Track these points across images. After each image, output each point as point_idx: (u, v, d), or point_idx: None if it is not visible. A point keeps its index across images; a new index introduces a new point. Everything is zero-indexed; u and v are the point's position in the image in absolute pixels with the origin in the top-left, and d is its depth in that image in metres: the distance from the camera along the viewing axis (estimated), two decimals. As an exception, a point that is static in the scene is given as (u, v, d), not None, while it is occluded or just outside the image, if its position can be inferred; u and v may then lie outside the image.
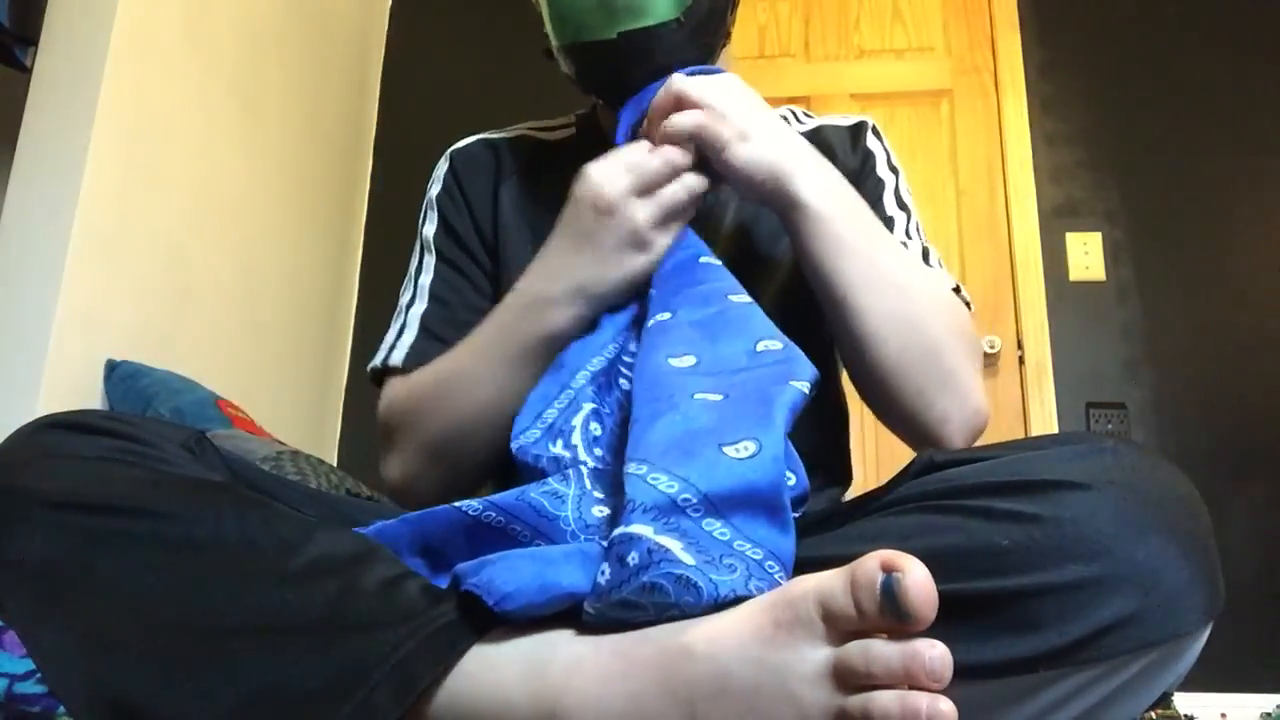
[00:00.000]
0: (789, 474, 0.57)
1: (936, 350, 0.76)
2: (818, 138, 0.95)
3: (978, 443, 0.79)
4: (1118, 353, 2.25)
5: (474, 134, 1.00)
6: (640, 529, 0.51)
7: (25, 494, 0.55)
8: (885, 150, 0.96)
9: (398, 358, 0.88)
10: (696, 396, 0.60)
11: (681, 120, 0.74)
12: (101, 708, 0.52)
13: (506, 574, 0.52)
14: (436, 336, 0.89)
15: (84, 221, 1.51)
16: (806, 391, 0.61)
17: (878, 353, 0.76)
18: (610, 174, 0.74)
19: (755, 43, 2.59)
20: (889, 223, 0.89)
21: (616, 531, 0.52)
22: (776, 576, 0.52)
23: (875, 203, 0.90)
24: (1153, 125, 2.36)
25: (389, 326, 0.93)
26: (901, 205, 0.92)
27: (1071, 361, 2.25)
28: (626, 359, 0.74)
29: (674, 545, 0.51)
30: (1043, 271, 2.30)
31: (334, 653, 0.49)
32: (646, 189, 0.74)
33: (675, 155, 0.75)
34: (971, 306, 0.86)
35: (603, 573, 0.51)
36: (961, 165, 2.43)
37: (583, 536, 0.61)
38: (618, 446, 0.68)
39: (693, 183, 0.75)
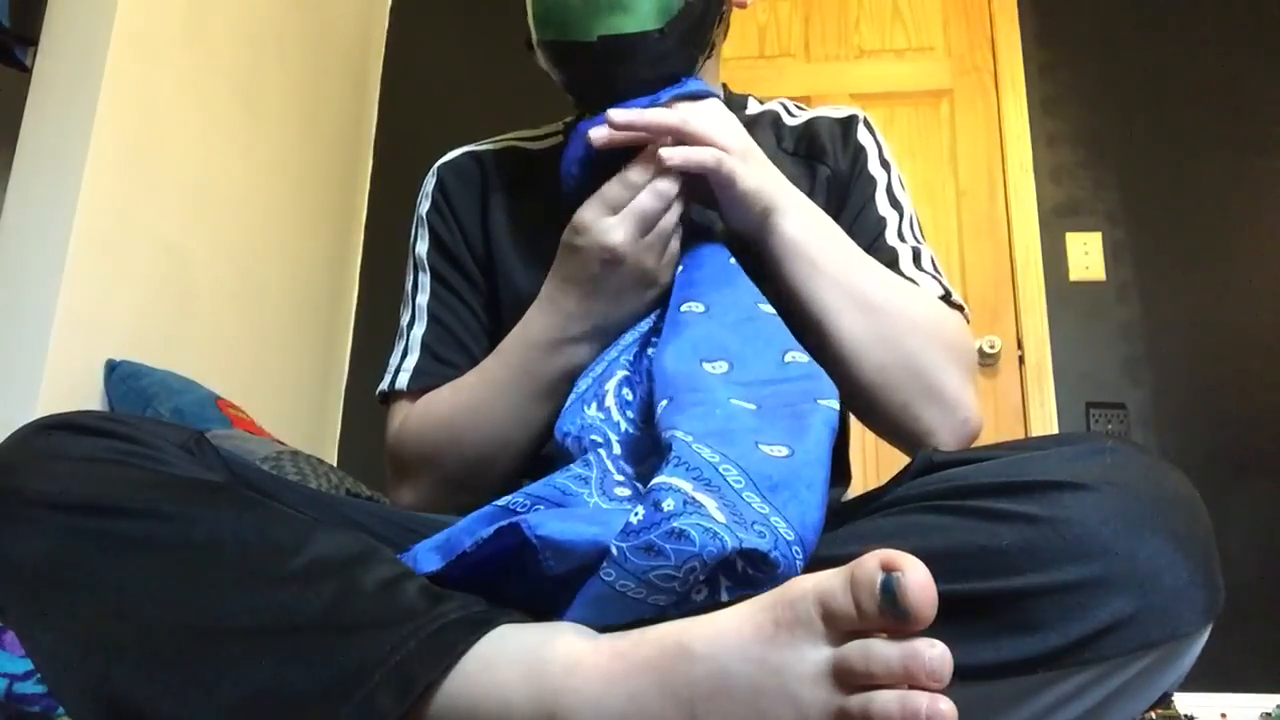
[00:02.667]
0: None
1: (917, 365, 0.77)
2: (809, 131, 0.95)
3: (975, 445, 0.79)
4: (1118, 353, 2.25)
5: (463, 144, 1.00)
6: (680, 482, 0.53)
7: (23, 495, 0.55)
8: (877, 144, 0.95)
9: (404, 381, 0.89)
10: (733, 401, 0.63)
11: (701, 156, 0.74)
12: (100, 709, 0.52)
13: (535, 519, 0.54)
14: (439, 358, 0.90)
15: (84, 221, 1.51)
16: (837, 409, 0.63)
17: (856, 372, 0.77)
18: (611, 224, 0.75)
19: (755, 43, 2.59)
20: (880, 223, 0.89)
21: (656, 480, 0.54)
22: (797, 562, 0.53)
23: (867, 201, 0.90)
24: (1153, 125, 2.36)
25: (392, 346, 0.94)
26: (894, 203, 0.91)
27: (1071, 361, 2.25)
28: (655, 335, 0.77)
29: (709, 503, 0.52)
30: (1043, 271, 2.30)
31: (333, 654, 0.49)
32: (647, 229, 0.75)
33: (669, 188, 0.75)
34: (965, 310, 0.86)
35: (636, 513, 0.52)
36: (961, 165, 2.43)
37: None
38: (649, 415, 0.71)
39: (679, 206, 0.77)
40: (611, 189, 0.76)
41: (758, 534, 0.51)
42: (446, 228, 0.95)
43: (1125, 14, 2.44)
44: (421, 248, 0.96)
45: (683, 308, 0.73)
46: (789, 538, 0.53)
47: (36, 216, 1.50)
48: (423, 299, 0.93)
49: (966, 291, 2.32)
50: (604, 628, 0.52)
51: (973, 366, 0.82)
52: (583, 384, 0.76)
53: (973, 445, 0.79)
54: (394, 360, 0.92)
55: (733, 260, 0.78)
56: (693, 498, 0.52)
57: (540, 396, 0.81)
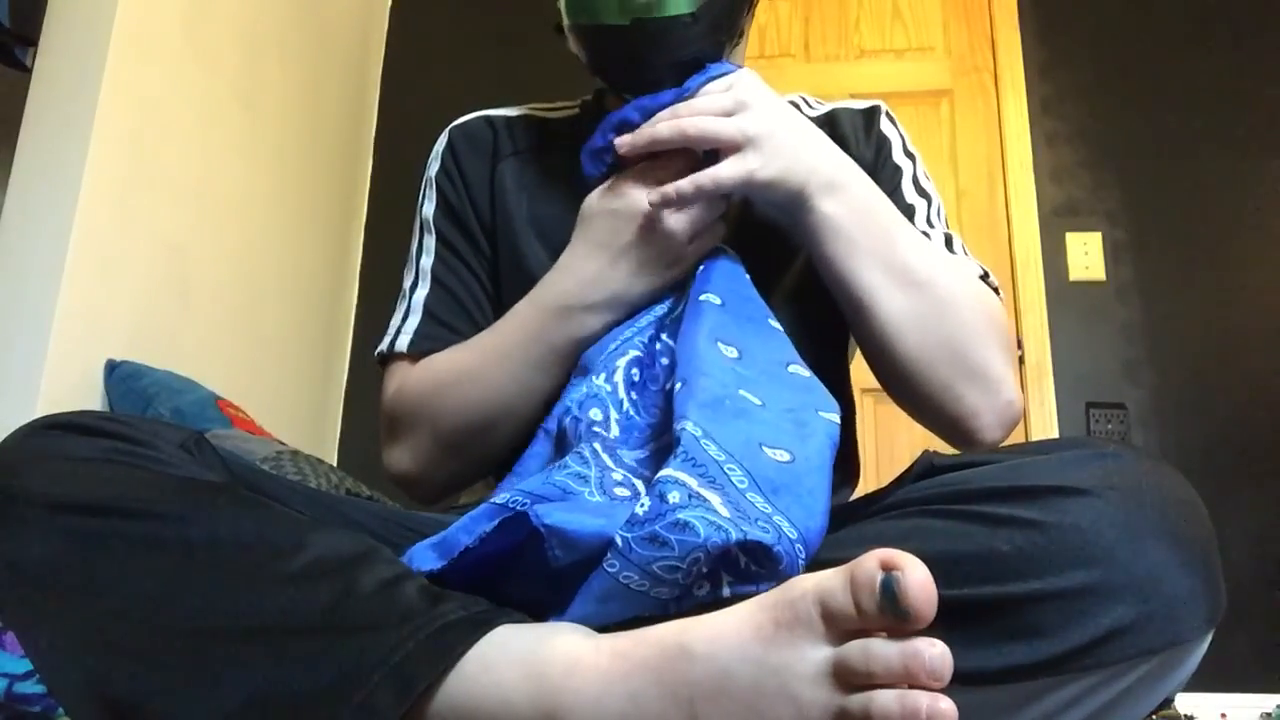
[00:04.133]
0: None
1: (960, 343, 0.76)
2: (829, 123, 0.95)
3: (1012, 432, 0.80)
4: (1118, 353, 2.25)
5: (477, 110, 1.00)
6: (685, 477, 0.55)
7: (23, 496, 0.54)
8: (900, 135, 0.95)
9: (403, 343, 0.89)
10: (741, 393, 0.64)
11: (686, 187, 0.75)
12: (100, 710, 0.52)
13: (542, 509, 0.55)
14: (441, 322, 0.89)
15: (84, 221, 1.51)
16: (837, 422, 0.64)
17: (899, 350, 0.76)
18: (638, 195, 0.76)
19: (755, 43, 2.59)
20: (909, 211, 0.88)
21: (663, 473, 0.55)
22: (799, 560, 0.53)
23: (893, 191, 0.90)
24: (1153, 125, 2.36)
25: (393, 308, 0.93)
26: (921, 192, 0.91)
27: (1071, 361, 2.25)
28: (669, 321, 0.78)
29: (714, 498, 0.53)
30: (1043, 271, 2.30)
31: (333, 654, 0.49)
32: (686, 204, 0.76)
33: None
34: (1001, 293, 0.85)
35: (642, 504, 0.53)
36: (961, 165, 2.43)
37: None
38: (648, 404, 0.72)
39: (719, 201, 0.78)
40: (644, 170, 0.77)
41: (761, 529, 0.52)
42: (454, 191, 0.94)
43: (1125, 14, 2.44)
44: (428, 209, 0.95)
45: (701, 297, 0.74)
46: (792, 536, 0.53)
47: (36, 216, 1.50)
48: (427, 261, 0.93)
49: (966, 291, 2.32)
50: (604, 627, 0.52)
51: (1013, 349, 0.80)
52: (592, 356, 0.77)
53: (1008, 435, 0.78)
54: (395, 322, 0.91)
55: (748, 277, 0.79)
56: (697, 493, 0.53)
57: (547, 363, 0.80)
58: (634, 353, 0.75)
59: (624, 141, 0.77)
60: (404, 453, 0.86)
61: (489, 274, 0.92)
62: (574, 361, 0.79)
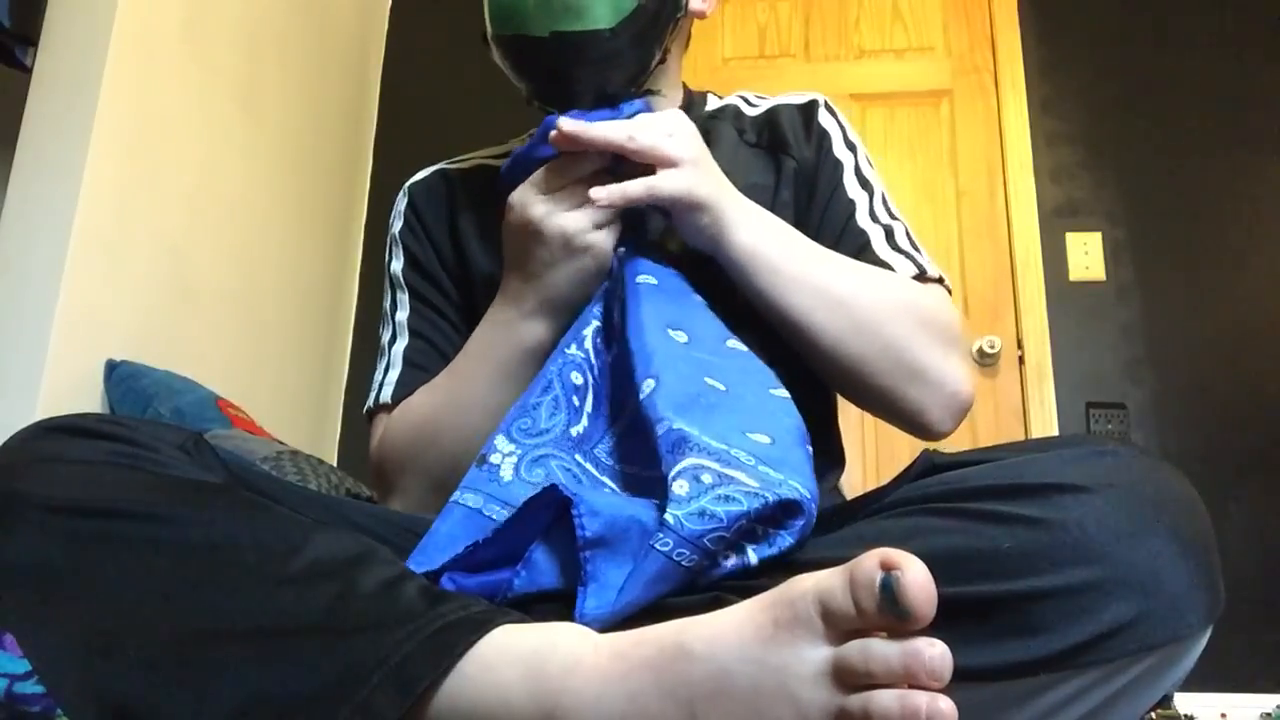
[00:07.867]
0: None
1: (895, 349, 0.79)
2: (770, 121, 0.95)
3: (965, 417, 0.84)
4: (1118, 353, 2.25)
5: (463, 143, 1.02)
6: (708, 463, 0.59)
7: (23, 498, 0.55)
8: (840, 127, 0.95)
9: (387, 394, 0.90)
10: (707, 381, 0.67)
11: (632, 190, 0.74)
12: (98, 711, 0.52)
13: (572, 488, 0.58)
14: (421, 368, 0.91)
15: (84, 221, 1.51)
16: (789, 396, 0.69)
17: (837, 365, 0.80)
18: (527, 198, 0.78)
19: (755, 43, 2.59)
20: (851, 205, 0.90)
21: (686, 463, 0.60)
22: (813, 519, 0.60)
23: (836, 186, 0.91)
24: (1153, 125, 2.36)
25: (375, 365, 0.94)
26: (864, 184, 0.92)
27: (1071, 361, 2.25)
28: (614, 298, 0.81)
29: (739, 475, 0.59)
30: (1043, 271, 2.31)
31: (332, 655, 0.49)
32: (569, 206, 0.76)
33: (585, 167, 0.77)
34: (945, 280, 0.87)
35: (681, 486, 0.58)
36: (961, 165, 2.42)
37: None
38: (615, 373, 0.76)
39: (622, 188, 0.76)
40: (539, 176, 0.78)
41: (789, 489, 0.58)
42: (420, 245, 0.96)
43: (1125, 14, 2.44)
44: (396, 266, 0.97)
45: (638, 279, 0.76)
46: (807, 496, 0.59)
47: (36, 216, 1.50)
48: (402, 315, 0.94)
49: (966, 291, 2.32)
50: (604, 628, 0.52)
51: (955, 339, 0.83)
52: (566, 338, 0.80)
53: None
54: (378, 377, 0.93)
55: (678, 274, 0.80)
56: (724, 474, 0.59)
57: (501, 380, 0.81)
58: (595, 323, 0.78)
59: (567, 126, 0.75)
60: (397, 501, 0.87)
61: (465, 320, 0.93)
62: (531, 376, 0.78)
